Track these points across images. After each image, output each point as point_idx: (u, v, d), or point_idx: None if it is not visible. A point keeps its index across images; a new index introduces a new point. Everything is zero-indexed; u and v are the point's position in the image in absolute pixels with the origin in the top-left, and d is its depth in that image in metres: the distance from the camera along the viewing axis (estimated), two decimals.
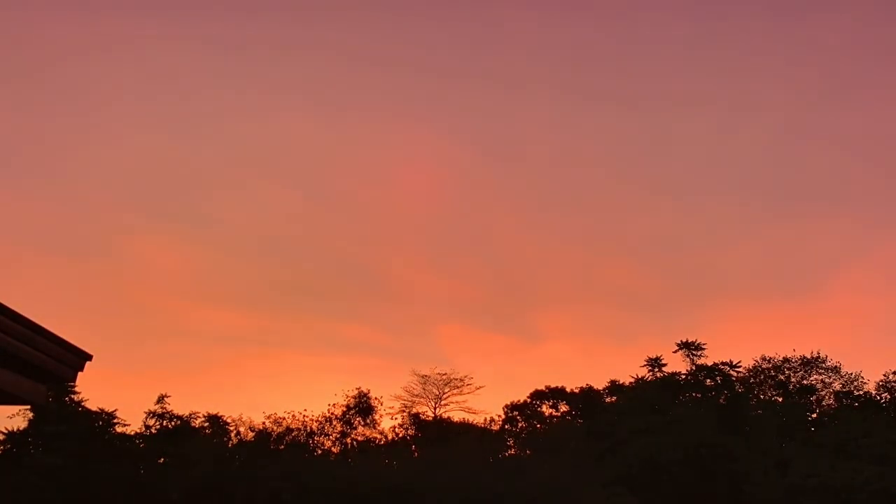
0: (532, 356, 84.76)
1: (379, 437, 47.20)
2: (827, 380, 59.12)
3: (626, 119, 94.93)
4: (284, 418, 43.90)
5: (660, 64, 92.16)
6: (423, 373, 54.21)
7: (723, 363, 48.72)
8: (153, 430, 40.94)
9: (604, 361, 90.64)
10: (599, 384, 53.78)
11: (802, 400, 53.50)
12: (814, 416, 54.12)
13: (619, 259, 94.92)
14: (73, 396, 39.22)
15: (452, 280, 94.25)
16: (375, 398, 47.60)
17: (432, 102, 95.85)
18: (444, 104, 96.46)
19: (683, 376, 47.90)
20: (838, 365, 58.72)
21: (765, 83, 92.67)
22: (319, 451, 44.41)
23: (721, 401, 46.04)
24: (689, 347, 49.21)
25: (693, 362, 48.76)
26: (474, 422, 51.18)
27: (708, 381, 47.90)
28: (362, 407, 46.90)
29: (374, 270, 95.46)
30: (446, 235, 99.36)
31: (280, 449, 41.85)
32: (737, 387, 49.75)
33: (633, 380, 50.34)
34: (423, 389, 53.69)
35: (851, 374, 58.35)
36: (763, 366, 59.63)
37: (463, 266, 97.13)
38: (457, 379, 54.02)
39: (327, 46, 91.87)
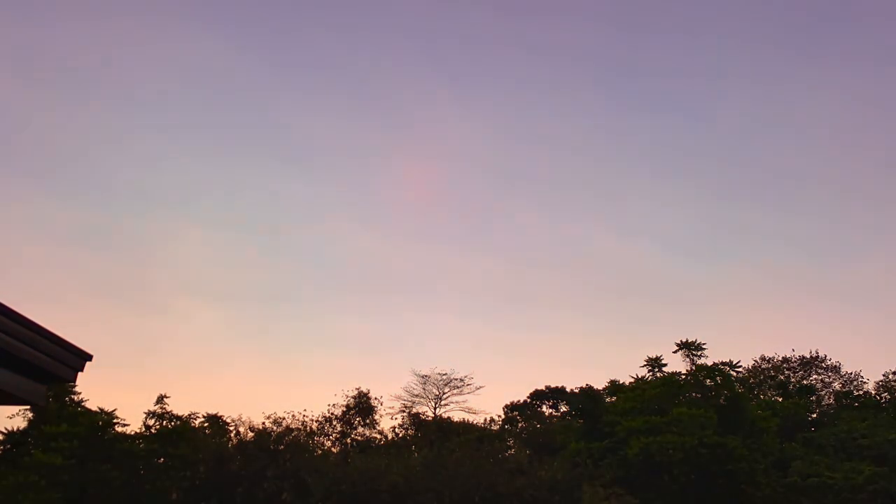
0: (540, 350, 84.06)
1: (379, 437, 47.18)
2: (827, 380, 59.22)
3: (655, 113, 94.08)
4: (284, 418, 43.91)
5: (695, 59, 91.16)
6: (423, 373, 54.29)
7: (723, 363, 48.74)
8: (153, 430, 40.92)
9: (619, 356, 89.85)
10: (606, 381, 53.65)
11: (802, 400, 53.51)
12: (814, 416, 54.13)
13: (640, 252, 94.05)
14: (73, 396, 39.21)
15: (457, 270, 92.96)
16: (375, 398, 47.64)
17: (448, 88, 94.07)
18: (461, 90, 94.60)
19: (683, 376, 47.90)
20: (838, 365, 58.83)
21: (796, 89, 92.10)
22: (319, 451, 44.36)
23: (721, 401, 46.01)
24: (689, 347, 49.21)
25: (693, 362, 48.78)
26: (474, 422, 51.21)
27: (708, 381, 47.88)
28: (362, 407, 46.89)
29: (374, 261, 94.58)
30: (452, 222, 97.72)
31: (280, 449, 41.81)
32: (737, 387, 49.73)
33: (633, 380, 50.36)
34: (423, 389, 53.75)
35: (851, 373, 58.47)
36: (763, 366, 59.71)
37: (470, 255, 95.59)
38: (457, 379, 54.06)
39: (353, 35, 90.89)
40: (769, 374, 59.01)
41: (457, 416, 52.04)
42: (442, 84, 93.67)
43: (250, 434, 42.92)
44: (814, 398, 57.02)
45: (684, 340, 49.41)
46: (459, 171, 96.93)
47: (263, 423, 43.46)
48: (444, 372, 54.19)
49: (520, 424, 54.78)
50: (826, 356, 59.07)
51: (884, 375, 56.04)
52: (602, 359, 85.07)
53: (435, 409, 53.38)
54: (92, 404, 39.88)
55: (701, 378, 47.62)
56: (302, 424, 44.18)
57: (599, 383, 53.65)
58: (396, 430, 48.94)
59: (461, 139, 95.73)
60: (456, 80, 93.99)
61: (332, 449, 45.46)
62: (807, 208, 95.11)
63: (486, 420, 53.03)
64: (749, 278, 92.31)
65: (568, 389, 55.44)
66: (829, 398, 58.28)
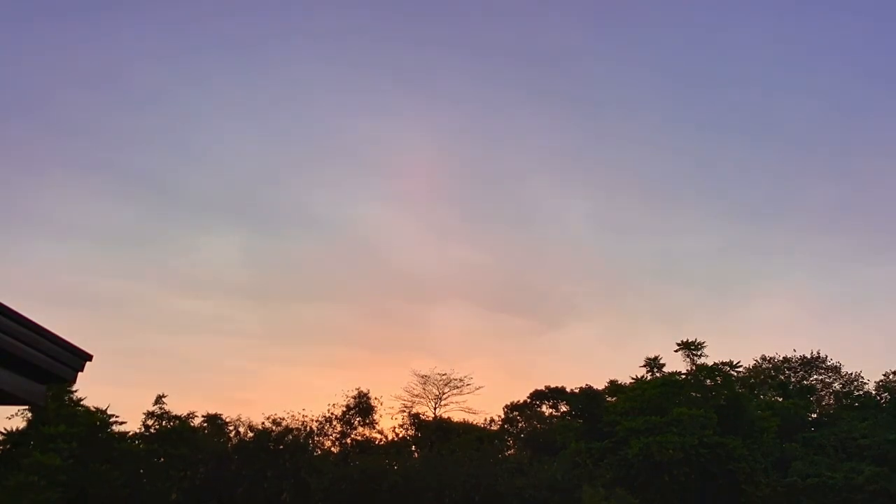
0: (549, 342, 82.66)
1: (379, 437, 47.18)
2: (827, 380, 59.23)
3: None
4: (284, 418, 43.89)
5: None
6: (423, 373, 54.28)
7: (723, 363, 48.76)
8: (152, 431, 40.93)
9: (632, 350, 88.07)
10: (606, 381, 53.59)
11: (802, 400, 53.53)
12: (814, 416, 54.17)
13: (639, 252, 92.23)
14: (72, 396, 39.20)
15: (460, 253, 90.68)
16: (375, 398, 47.64)
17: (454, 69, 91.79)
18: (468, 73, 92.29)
19: (683, 376, 47.91)
20: (838, 365, 58.84)
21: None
22: (319, 451, 44.37)
23: (721, 401, 46.03)
24: (689, 347, 49.21)
25: (693, 362, 48.80)
26: (474, 422, 51.17)
27: (708, 381, 47.90)
28: (362, 407, 46.88)
29: (373, 259, 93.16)
30: (457, 201, 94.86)
31: (280, 449, 41.82)
32: (737, 387, 49.75)
33: (633, 380, 50.36)
34: (423, 389, 53.71)
35: (851, 373, 58.48)
36: (763, 366, 59.72)
37: (475, 239, 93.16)
38: (457, 379, 54.04)
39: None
40: (769, 374, 59.02)
41: (457, 416, 52.03)
42: None
43: (250, 434, 42.94)
44: (814, 398, 57.06)
45: (684, 340, 49.42)
46: (461, 170, 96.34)
47: (263, 423, 43.51)
48: (443, 372, 54.23)
49: (520, 424, 54.74)
50: (826, 356, 59.10)
51: (884, 375, 56.04)
52: (602, 359, 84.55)
53: (435, 409, 53.38)
54: (91, 404, 39.93)
55: (701, 378, 47.65)
56: (302, 424, 44.19)
57: (599, 383, 53.71)
58: (396, 430, 48.93)
59: (447, 139, 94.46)
60: None
61: (332, 449, 45.44)
62: (807, 207, 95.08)
63: (486, 420, 53.03)
64: (749, 278, 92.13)
65: (568, 389, 55.40)
66: (829, 398, 58.32)
